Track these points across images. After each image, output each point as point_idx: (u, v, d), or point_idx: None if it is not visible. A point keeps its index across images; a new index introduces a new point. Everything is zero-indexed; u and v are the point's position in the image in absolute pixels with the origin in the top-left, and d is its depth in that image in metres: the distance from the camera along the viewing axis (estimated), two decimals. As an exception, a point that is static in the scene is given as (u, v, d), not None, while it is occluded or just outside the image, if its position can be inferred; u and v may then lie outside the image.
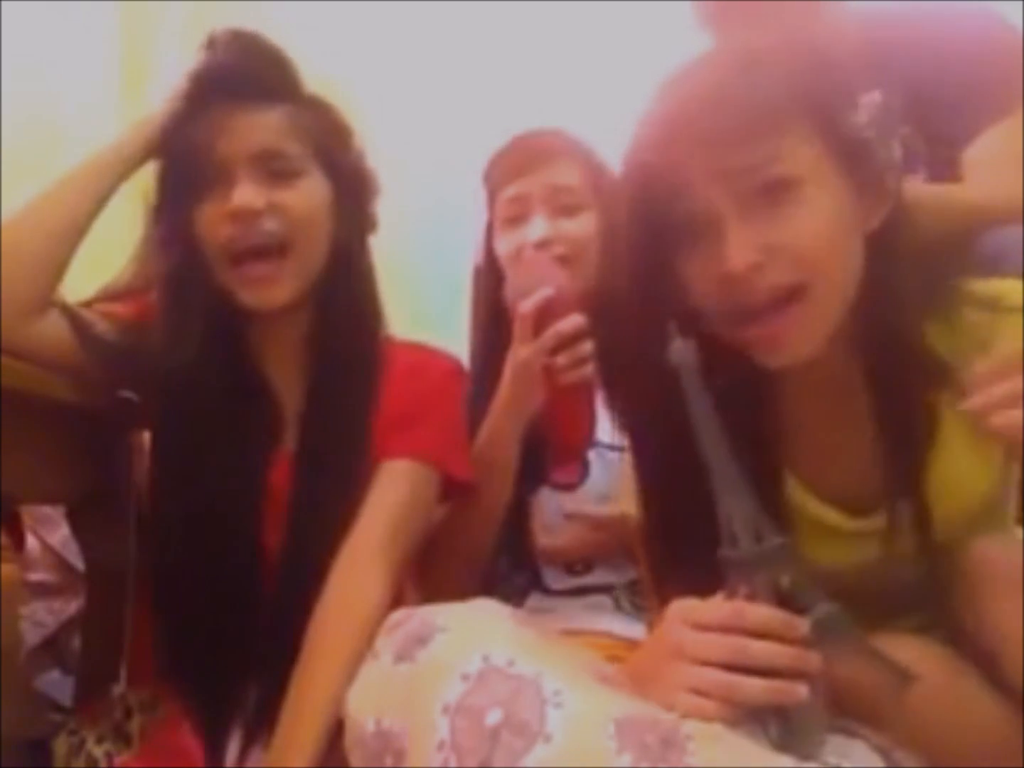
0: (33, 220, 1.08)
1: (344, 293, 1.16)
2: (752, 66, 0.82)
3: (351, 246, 1.18)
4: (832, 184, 0.82)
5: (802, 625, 0.73)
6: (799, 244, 0.80)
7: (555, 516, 1.28)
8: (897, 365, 0.86)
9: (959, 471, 0.87)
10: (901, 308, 0.86)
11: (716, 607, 0.75)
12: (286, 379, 1.16)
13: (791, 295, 0.81)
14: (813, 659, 0.73)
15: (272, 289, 1.11)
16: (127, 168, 1.13)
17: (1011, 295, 0.87)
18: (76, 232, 1.10)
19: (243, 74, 1.13)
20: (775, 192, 0.80)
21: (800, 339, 0.82)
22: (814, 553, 0.88)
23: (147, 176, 1.15)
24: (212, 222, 1.10)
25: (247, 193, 1.08)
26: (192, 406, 1.11)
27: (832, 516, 0.91)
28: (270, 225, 1.09)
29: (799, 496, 0.92)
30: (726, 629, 0.73)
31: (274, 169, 1.10)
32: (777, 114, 0.80)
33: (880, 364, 0.87)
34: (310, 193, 1.13)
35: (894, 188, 0.85)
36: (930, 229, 0.94)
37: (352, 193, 1.18)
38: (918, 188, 1.21)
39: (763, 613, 0.73)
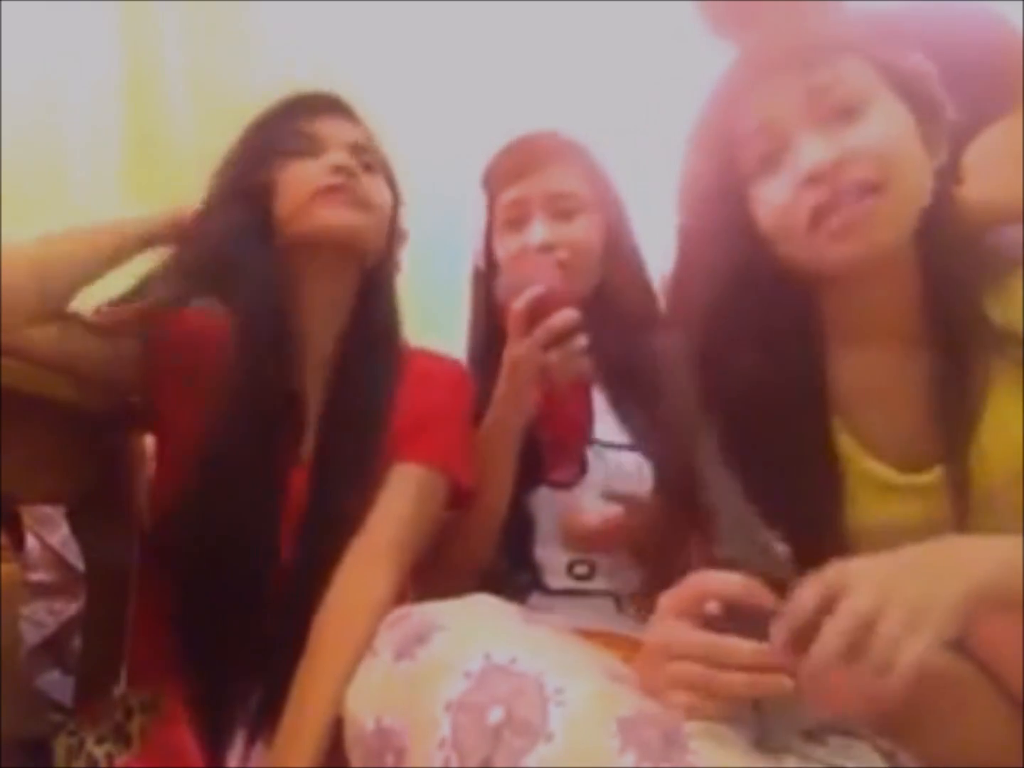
0: (56, 251, 1.10)
1: (378, 303, 1.21)
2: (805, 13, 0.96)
3: (389, 257, 1.23)
4: (893, 107, 0.90)
5: (765, 592, 0.74)
6: (876, 145, 0.88)
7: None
8: (957, 321, 0.91)
9: (1007, 433, 0.89)
10: (962, 260, 0.93)
11: (687, 584, 0.77)
12: (313, 393, 1.16)
13: (871, 188, 0.86)
14: (785, 654, 0.72)
15: (351, 210, 1.14)
16: (132, 249, 1.15)
17: None
18: (85, 279, 1.11)
19: (316, 97, 1.21)
20: (846, 111, 0.89)
21: (876, 229, 0.87)
22: (863, 508, 0.91)
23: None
24: (305, 175, 1.14)
25: (345, 157, 1.14)
26: (230, 408, 1.09)
27: (881, 470, 0.92)
28: (361, 192, 1.15)
29: (849, 449, 0.93)
30: (696, 599, 0.75)
31: (361, 161, 1.17)
32: (833, 43, 0.92)
33: (941, 320, 0.92)
34: (384, 194, 1.20)
35: (948, 127, 0.92)
36: None
37: (395, 205, 1.24)
38: None
39: (728, 579, 0.75)
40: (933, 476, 0.91)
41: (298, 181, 1.14)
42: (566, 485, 1.29)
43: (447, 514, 1.20)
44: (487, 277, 1.37)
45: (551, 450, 1.29)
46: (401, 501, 1.10)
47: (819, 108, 0.89)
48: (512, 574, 1.29)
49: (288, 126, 1.16)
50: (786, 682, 0.71)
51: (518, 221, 1.31)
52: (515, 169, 1.32)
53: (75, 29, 2.09)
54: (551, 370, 1.15)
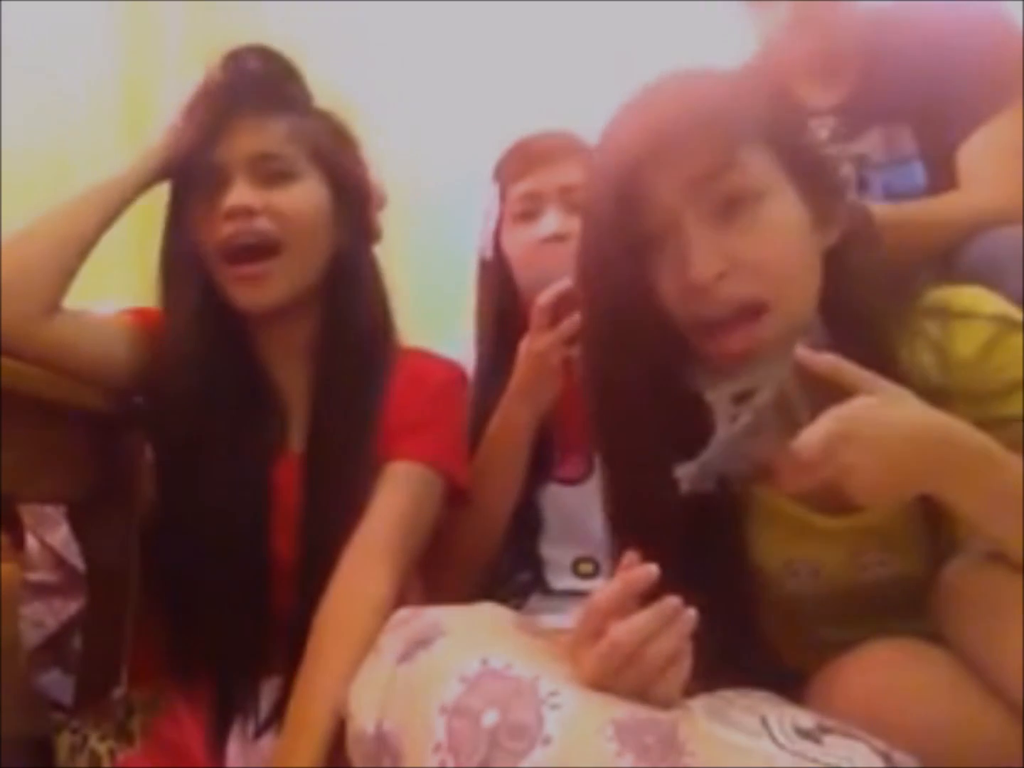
0: (43, 232, 1.10)
1: (348, 300, 1.18)
2: (711, 84, 0.87)
3: (353, 253, 1.19)
4: (790, 199, 0.85)
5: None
6: (760, 257, 0.83)
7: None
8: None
9: None
10: (865, 322, 0.87)
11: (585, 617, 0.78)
12: (293, 382, 1.18)
13: (752, 310, 0.82)
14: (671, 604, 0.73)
15: (261, 288, 1.13)
16: (133, 192, 1.15)
17: (958, 301, 0.88)
18: (83, 246, 1.11)
19: (253, 85, 1.16)
20: (735, 204, 0.83)
21: (759, 355, 0.83)
22: (770, 547, 0.91)
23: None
24: (209, 222, 1.12)
25: (242, 193, 1.11)
26: (198, 407, 1.12)
27: (796, 511, 0.91)
28: (264, 224, 1.12)
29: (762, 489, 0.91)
30: (599, 621, 0.75)
31: (270, 171, 1.13)
32: (732, 126, 0.83)
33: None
34: (306, 196, 1.15)
35: (848, 206, 0.88)
36: (896, 245, 0.98)
37: (353, 201, 1.20)
38: (879, 208, 1.21)
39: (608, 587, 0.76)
40: (852, 521, 0.89)
41: (205, 235, 1.13)
42: (573, 481, 1.30)
43: (449, 511, 1.21)
44: (495, 268, 1.37)
45: (560, 445, 1.29)
46: (398, 500, 1.10)
47: (709, 198, 0.83)
48: (513, 574, 1.30)
49: (193, 154, 1.13)
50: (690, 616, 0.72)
51: (530, 213, 1.32)
52: (528, 162, 1.33)
53: (74, 17, 2.09)
54: (572, 365, 1.15)
